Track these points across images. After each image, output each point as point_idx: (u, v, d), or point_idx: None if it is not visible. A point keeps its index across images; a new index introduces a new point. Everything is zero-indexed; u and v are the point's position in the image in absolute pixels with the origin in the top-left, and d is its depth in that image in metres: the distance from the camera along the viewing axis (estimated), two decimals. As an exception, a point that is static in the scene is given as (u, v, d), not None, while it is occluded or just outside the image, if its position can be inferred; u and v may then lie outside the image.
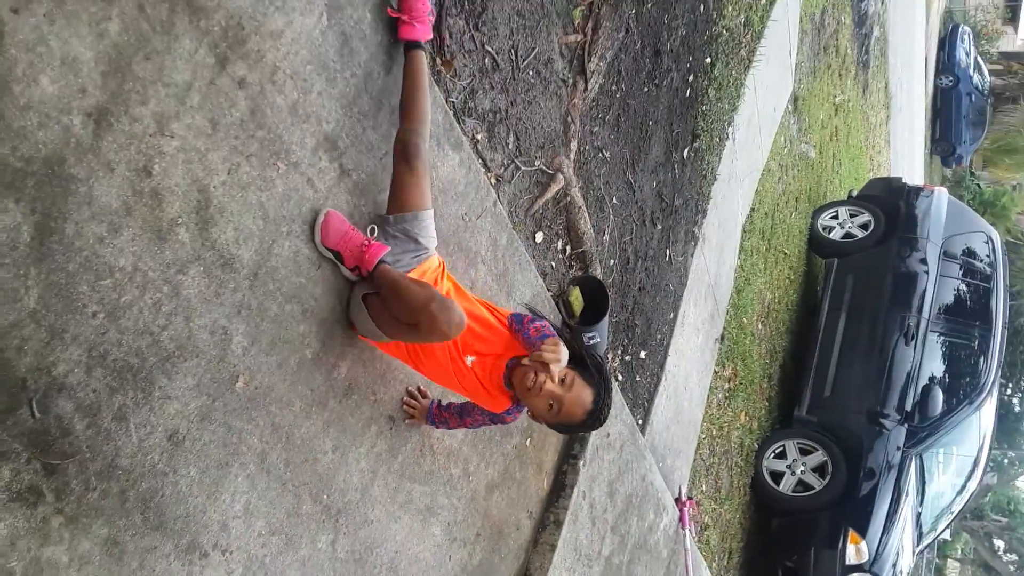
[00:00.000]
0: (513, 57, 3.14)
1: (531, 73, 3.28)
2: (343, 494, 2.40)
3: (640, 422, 4.57)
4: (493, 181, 3.10)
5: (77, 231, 1.60)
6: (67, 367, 1.61)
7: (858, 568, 6.33)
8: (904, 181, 8.83)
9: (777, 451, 6.96)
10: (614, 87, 3.95)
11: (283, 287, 2.11)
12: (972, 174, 24.34)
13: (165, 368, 1.81)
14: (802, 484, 6.72)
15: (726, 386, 6.15)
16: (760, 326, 6.97)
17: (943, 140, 22.10)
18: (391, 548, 2.62)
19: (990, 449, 8.04)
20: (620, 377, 4.31)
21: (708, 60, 5.05)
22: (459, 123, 2.83)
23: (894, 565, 6.65)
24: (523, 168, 3.28)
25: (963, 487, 7.78)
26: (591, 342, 3.70)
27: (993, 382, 7.48)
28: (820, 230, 8.38)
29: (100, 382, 1.67)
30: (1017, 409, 25.05)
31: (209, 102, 1.85)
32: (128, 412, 1.74)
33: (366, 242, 2.23)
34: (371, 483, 2.51)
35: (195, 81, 1.81)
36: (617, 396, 4.05)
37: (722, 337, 5.94)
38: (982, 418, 7.43)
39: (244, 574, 2.07)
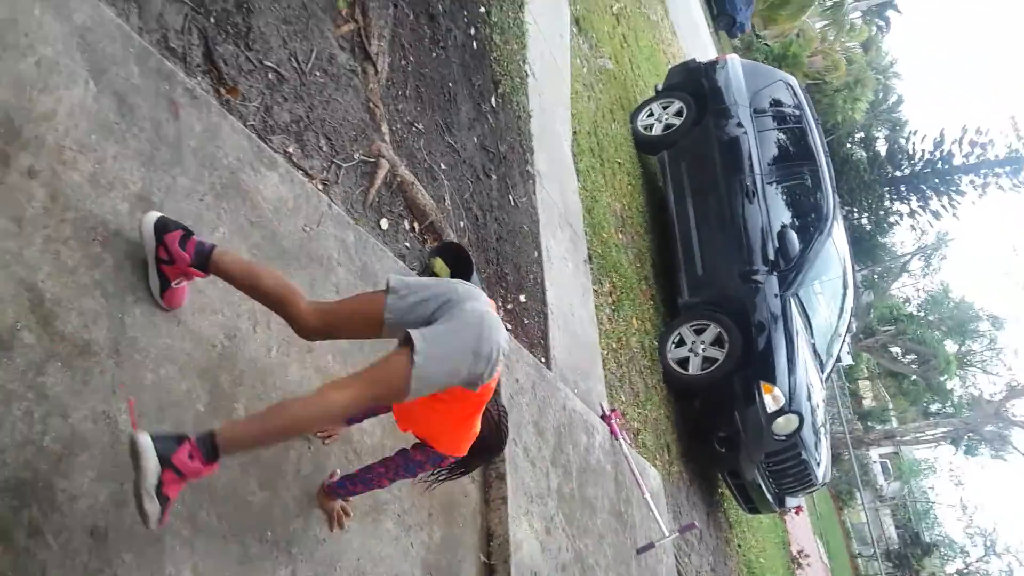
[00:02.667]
0: (295, 64, 3.16)
1: (318, 74, 3.30)
2: (286, 525, 2.42)
3: (543, 359, 4.74)
4: (320, 187, 3.13)
5: (-83, 371, 1.56)
6: (-40, 504, 1.58)
7: (779, 412, 6.81)
8: (698, 60, 9.34)
9: (676, 340, 7.34)
10: (403, 61, 4.02)
11: (150, 353, 2.10)
12: (758, 36, 25.86)
13: (60, 470, 1.78)
14: (707, 360, 7.13)
15: (609, 300, 6.43)
16: (620, 236, 7.29)
17: (722, 14, 23.36)
18: (352, 557, 2.67)
19: (854, 268, 8.79)
20: (510, 325, 4.45)
21: (483, 9, 5.19)
22: (266, 143, 2.84)
23: (809, 399, 7.19)
24: (344, 165, 3.32)
25: (842, 308, 8.47)
26: (469, 302, 3.81)
27: (834, 207, 8.13)
28: (642, 130, 8.78)
29: (3, 511, 1.64)
30: (868, 227, 27.17)
31: (4, 202, 1.81)
32: (40, 524, 1.71)
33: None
34: (308, 505, 2.55)
35: (-19, 186, 1.77)
36: (514, 343, 4.19)
37: (589, 257, 6.18)
38: (836, 242, 8.08)
39: (218, 633, 2.08)
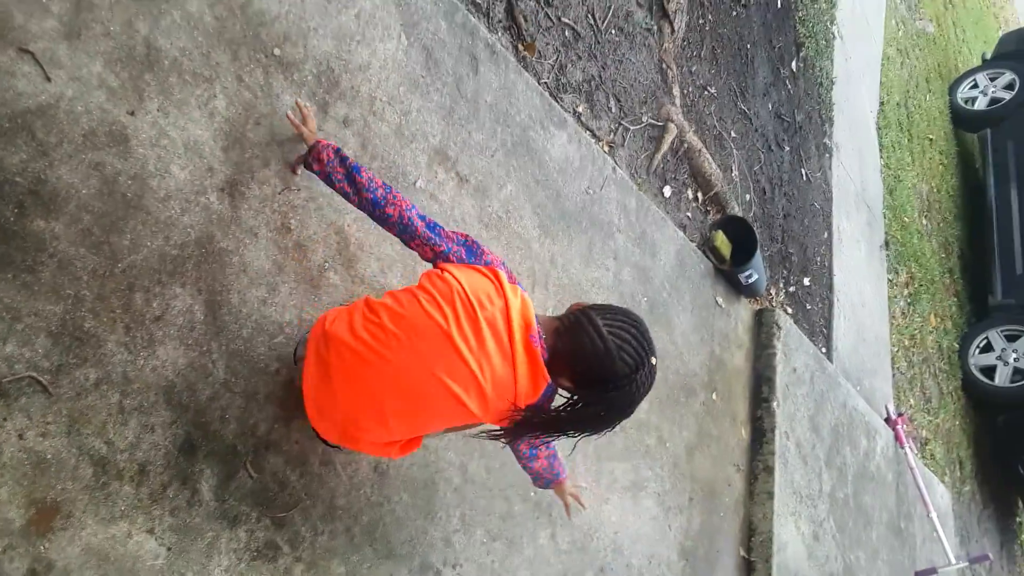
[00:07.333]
0: (592, 21, 3.09)
1: (614, 32, 3.20)
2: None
3: (824, 349, 4.34)
4: (606, 149, 3.05)
5: (241, 299, 1.70)
6: (268, 425, 1.70)
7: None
8: (1042, 24, 8.00)
9: (981, 345, 6.43)
10: (701, 20, 3.80)
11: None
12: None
13: (353, 405, 1.87)
14: (1019, 372, 6.16)
15: (905, 292, 5.75)
16: (924, 221, 6.48)
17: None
18: (610, 530, 2.61)
19: None
20: (790, 310, 4.11)
21: (789, -37, 4.78)
22: (557, 101, 2.80)
23: None
24: (632, 128, 3.21)
25: None
26: (749, 281, 3.56)
27: None
28: (962, 104, 7.71)
29: (300, 432, 1.76)
30: None
31: (322, 148, 1.91)
32: (331, 454, 1.82)
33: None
34: (572, 472, 2.51)
35: (304, 132, 1.88)
36: (794, 329, 3.86)
37: (886, 243, 5.56)
38: None
39: (478, 583, 2.12)
